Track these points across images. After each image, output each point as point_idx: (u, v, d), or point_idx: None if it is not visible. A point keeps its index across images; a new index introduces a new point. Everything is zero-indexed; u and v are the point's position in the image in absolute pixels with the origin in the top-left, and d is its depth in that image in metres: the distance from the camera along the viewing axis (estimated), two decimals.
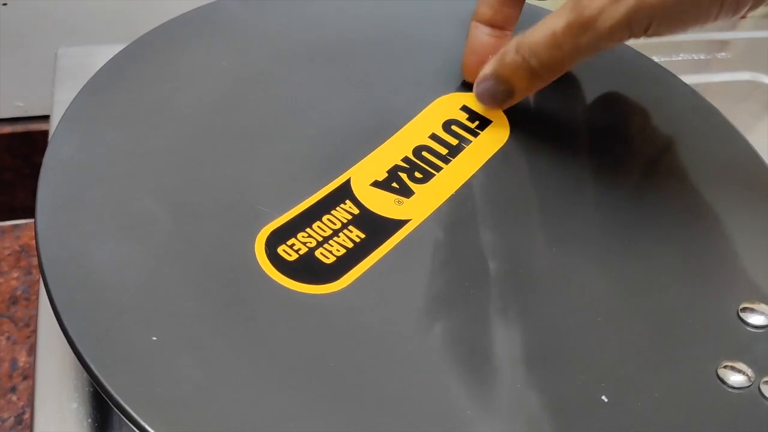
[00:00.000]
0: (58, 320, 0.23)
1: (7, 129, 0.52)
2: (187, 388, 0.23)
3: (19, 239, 0.52)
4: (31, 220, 0.53)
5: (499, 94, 0.32)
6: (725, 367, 0.25)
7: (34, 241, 0.51)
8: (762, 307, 0.27)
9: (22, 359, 0.45)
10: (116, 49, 0.34)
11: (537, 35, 0.30)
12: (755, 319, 0.26)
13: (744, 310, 0.27)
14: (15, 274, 0.50)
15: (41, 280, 0.25)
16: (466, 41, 0.33)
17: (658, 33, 0.28)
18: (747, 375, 0.25)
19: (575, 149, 0.33)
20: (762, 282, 0.28)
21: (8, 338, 0.46)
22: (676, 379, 0.25)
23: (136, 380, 0.23)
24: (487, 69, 0.31)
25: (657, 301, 0.27)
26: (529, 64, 0.30)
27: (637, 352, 0.25)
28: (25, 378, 0.44)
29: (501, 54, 0.31)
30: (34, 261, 0.51)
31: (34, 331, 0.46)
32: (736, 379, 0.25)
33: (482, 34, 0.33)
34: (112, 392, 0.22)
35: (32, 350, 0.46)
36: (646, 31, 0.28)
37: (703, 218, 0.30)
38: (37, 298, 0.48)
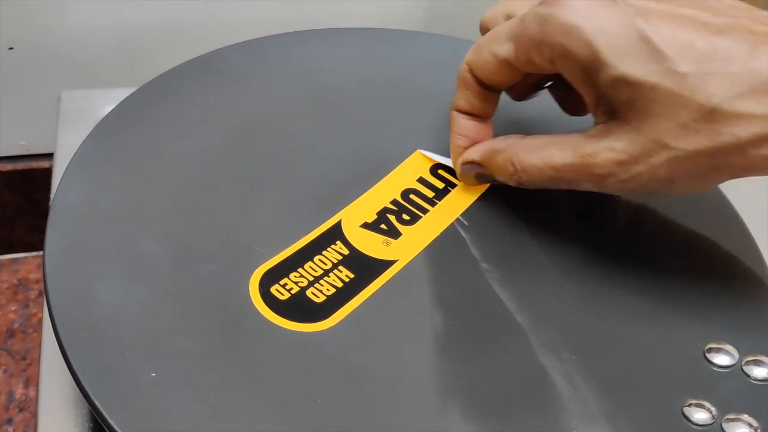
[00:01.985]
0: (64, 357, 0.25)
1: (9, 166, 0.53)
2: (183, 421, 0.24)
3: (17, 273, 0.53)
4: (30, 254, 0.55)
5: (480, 178, 0.32)
6: (690, 405, 0.26)
7: (31, 275, 0.52)
8: (727, 347, 0.28)
9: (19, 391, 0.46)
10: (117, 93, 0.36)
11: (534, 159, 0.29)
12: (721, 360, 0.28)
13: (710, 350, 0.28)
14: (12, 307, 0.51)
15: (48, 317, 0.26)
16: (450, 126, 0.33)
17: (664, 194, 0.28)
18: (711, 413, 0.26)
19: (559, 194, 0.34)
20: (727, 324, 0.29)
21: (5, 371, 0.47)
22: (644, 416, 0.26)
23: (136, 414, 0.24)
24: (475, 156, 0.31)
25: (628, 342, 0.28)
26: (519, 177, 0.30)
27: (608, 390, 0.27)
28: (21, 410, 0.45)
29: (491, 150, 0.31)
30: (32, 294, 0.52)
31: (31, 364, 0.47)
32: (700, 416, 0.26)
33: (463, 119, 0.32)
34: (114, 425, 0.23)
35: (29, 383, 0.46)
36: (654, 194, 0.28)
37: (673, 263, 0.31)
38: (35, 332, 0.49)
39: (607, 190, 0.28)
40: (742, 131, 0.25)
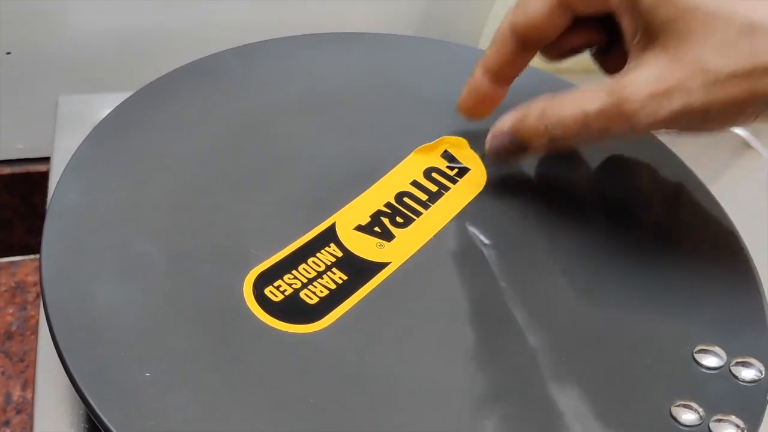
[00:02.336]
0: (59, 357, 0.25)
1: (7, 170, 0.54)
2: (178, 421, 0.24)
3: (14, 276, 0.53)
4: (27, 257, 0.55)
5: (513, 150, 0.31)
6: (678, 405, 0.27)
7: (29, 278, 0.52)
8: (716, 349, 0.28)
9: (16, 393, 0.46)
10: (114, 97, 0.36)
11: (566, 110, 0.29)
12: (709, 361, 0.28)
13: (699, 352, 0.28)
14: (10, 310, 0.51)
15: (45, 318, 0.27)
16: (467, 82, 0.33)
17: (691, 131, 0.28)
18: (699, 414, 0.26)
19: (548, 197, 0.35)
20: (716, 326, 0.29)
21: (2, 373, 0.47)
22: (632, 416, 0.26)
23: (131, 414, 0.24)
24: (505, 125, 0.31)
25: (617, 344, 0.29)
26: (551, 133, 0.29)
27: (598, 390, 0.27)
28: (18, 412, 0.46)
29: (522, 114, 0.30)
30: (30, 297, 0.52)
31: (28, 366, 0.48)
32: (687, 417, 0.26)
33: (483, 80, 0.32)
34: (109, 425, 0.24)
35: (26, 385, 0.47)
36: (682, 130, 0.28)
37: (663, 266, 0.32)
38: (32, 334, 0.50)
39: (638, 130, 0.27)
40: None
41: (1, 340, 0.49)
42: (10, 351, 0.49)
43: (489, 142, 0.32)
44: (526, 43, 0.31)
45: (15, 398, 0.46)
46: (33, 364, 0.48)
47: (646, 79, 0.27)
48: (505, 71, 0.32)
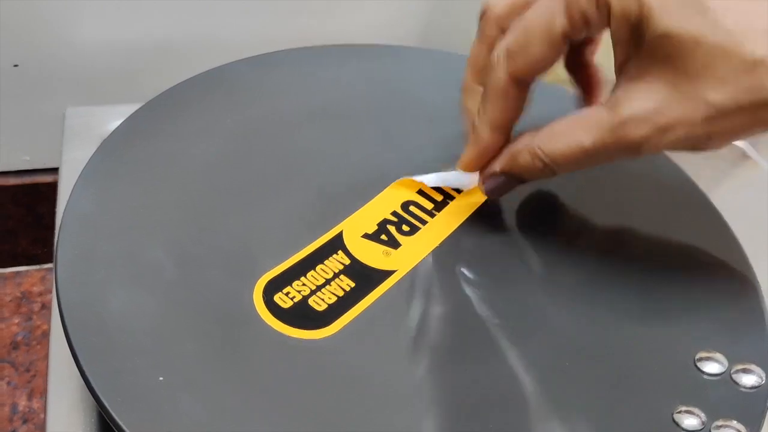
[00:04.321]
0: (75, 361, 0.26)
1: (13, 181, 0.54)
2: (188, 424, 0.25)
3: (20, 286, 0.54)
4: (32, 268, 0.55)
5: (508, 186, 0.32)
6: (680, 411, 0.27)
7: (34, 288, 0.53)
8: (718, 356, 0.29)
9: (22, 403, 0.47)
10: (121, 109, 0.37)
11: (561, 145, 0.29)
12: (710, 368, 0.29)
13: (701, 359, 0.29)
14: (16, 320, 0.51)
15: (56, 325, 0.27)
16: (473, 142, 0.32)
17: (692, 152, 0.28)
18: (700, 419, 0.27)
19: (551, 205, 0.35)
20: (717, 333, 0.30)
21: (9, 383, 0.48)
22: (636, 420, 0.27)
23: (144, 416, 0.25)
24: (496, 169, 0.31)
25: (620, 351, 0.29)
26: (550, 168, 0.29)
27: (602, 395, 0.28)
28: (24, 422, 0.46)
29: (510, 155, 0.30)
30: (35, 307, 0.52)
31: (35, 376, 0.48)
32: (690, 422, 0.27)
33: (493, 137, 0.31)
34: (123, 427, 0.24)
35: (32, 394, 0.47)
36: (683, 151, 0.28)
37: (667, 274, 0.32)
38: (38, 344, 0.50)
39: (642, 155, 0.28)
40: None
41: (6, 350, 0.49)
42: (16, 361, 0.49)
43: (482, 185, 0.32)
44: (527, 84, 0.30)
45: (21, 408, 0.46)
46: (39, 373, 0.48)
47: (647, 112, 0.27)
48: (513, 120, 0.31)
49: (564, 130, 0.29)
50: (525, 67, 0.29)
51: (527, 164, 0.30)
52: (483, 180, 0.32)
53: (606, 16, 0.27)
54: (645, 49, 0.27)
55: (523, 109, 0.31)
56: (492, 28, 0.31)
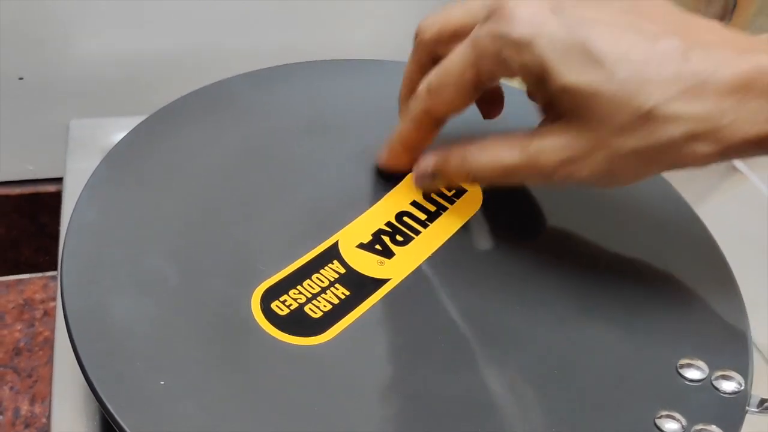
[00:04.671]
0: (80, 366, 0.27)
1: (17, 190, 0.55)
2: (189, 427, 0.26)
3: (23, 293, 0.54)
4: (35, 275, 0.56)
5: (438, 186, 0.35)
6: (662, 416, 0.28)
7: (37, 296, 0.54)
8: (699, 362, 0.30)
9: (25, 408, 0.47)
10: (124, 121, 0.38)
11: (484, 159, 0.31)
12: (692, 374, 0.30)
13: (682, 366, 0.30)
14: (18, 327, 0.52)
15: (59, 331, 0.28)
16: (388, 147, 0.35)
17: (604, 187, 0.30)
18: (681, 424, 0.28)
19: (542, 217, 0.36)
20: (699, 341, 0.31)
21: (11, 388, 0.48)
22: (618, 425, 0.28)
23: (145, 419, 0.26)
24: (429, 167, 0.34)
25: (604, 358, 0.30)
26: (473, 178, 0.33)
27: (586, 401, 0.29)
28: (27, 426, 0.47)
29: (443, 158, 0.33)
30: (37, 314, 0.53)
31: (37, 382, 0.49)
32: (671, 427, 0.28)
33: (404, 153, 0.35)
34: (126, 429, 0.25)
35: (34, 400, 0.48)
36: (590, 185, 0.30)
37: (652, 284, 0.33)
38: (40, 350, 0.51)
39: (553, 184, 0.30)
40: (674, 130, 0.27)
41: (9, 356, 0.50)
42: (18, 367, 0.50)
43: (414, 179, 0.35)
44: (441, 121, 0.33)
45: (23, 413, 0.47)
46: (41, 379, 0.49)
47: (555, 148, 0.29)
48: (423, 144, 0.34)
49: (490, 145, 0.31)
50: (440, 107, 0.32)
51: (455, 170, 0.33)
52: (415, 175, 0.35)
53: (512, 71, 0.29)
54: (553, 98, 0.29)
55: (432, 140, 0.34)
56: (422, 52, 0.34)
